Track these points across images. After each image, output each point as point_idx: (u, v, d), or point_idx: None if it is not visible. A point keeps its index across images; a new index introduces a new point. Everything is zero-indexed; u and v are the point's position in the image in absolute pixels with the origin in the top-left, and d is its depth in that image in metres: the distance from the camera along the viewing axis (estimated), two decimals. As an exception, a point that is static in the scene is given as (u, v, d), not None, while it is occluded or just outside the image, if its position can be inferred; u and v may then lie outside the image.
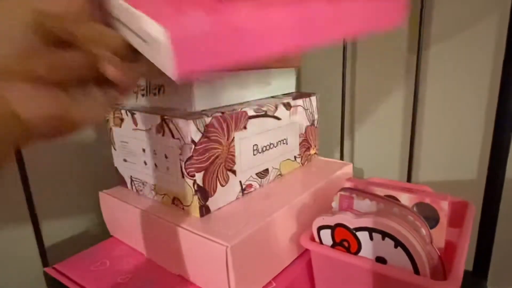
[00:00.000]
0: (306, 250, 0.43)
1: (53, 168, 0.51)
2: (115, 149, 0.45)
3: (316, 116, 0.54)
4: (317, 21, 0.24)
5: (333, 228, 0.35)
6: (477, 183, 0.58)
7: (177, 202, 0.39)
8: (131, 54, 0.21)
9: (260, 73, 0.46)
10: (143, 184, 0.43)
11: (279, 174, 0.48)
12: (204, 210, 0.37)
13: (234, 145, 0.39)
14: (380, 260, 0.33)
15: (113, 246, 0.45)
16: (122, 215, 0.43)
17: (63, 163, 0.53)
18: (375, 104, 0.66)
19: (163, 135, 0.37)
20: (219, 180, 0.38)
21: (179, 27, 0.17)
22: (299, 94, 0.52)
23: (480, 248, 0.50)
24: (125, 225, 0.44)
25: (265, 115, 0.43)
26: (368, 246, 0.33)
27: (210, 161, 0.36)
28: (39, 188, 0.50)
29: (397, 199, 0.37)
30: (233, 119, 0.38)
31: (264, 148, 0.44)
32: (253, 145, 0.42)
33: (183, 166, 0.36)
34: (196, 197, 0.36)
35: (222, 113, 0.37)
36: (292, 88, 0.53)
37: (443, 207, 0.35)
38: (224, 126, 0.38)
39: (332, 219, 0.35)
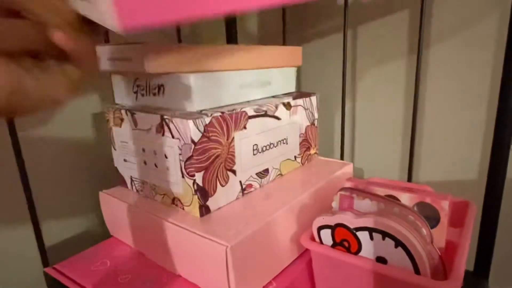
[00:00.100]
0: (306, 250, 0.43)
1: (53, 168, 0.52)
2: (115, 149, 0.45)
3: (316, 116, 0.54)
4: None
5: (333, 228, 0.35)
6: (478, 182, 0.58)
7: (177, 202, 0.39)
8: (81, 25, 0.21)
9: (260, 73, 0.46)
10: (143, 184, 0.43)
11: (279, 174, 0.48)
12: (204, 210, 0.37)
13: (234, 145, 0.39)
14: (381, 260, 0.33)
15: (113, 246, 0.45)
16: (122, 215, 0.43)
17: (63, 163, 0.53)
18: (376, 103, 0.66)
19: (163, 135, 0.37)
20: (219, 180, 0.38)
21: None
22: (299, 93, 0.52)
23: (481, 247, 0.49)
24: (125, 225, 0.44)
25: (265, 115, 0.43)
26: (368, 246, 0.33)
27: (210, 161, 0.36)
28: (39, 188, 0.50)
29: (397, 199, 0.37)
30: (233, 119, 0.38)
31: (264, 148, 0.44)
32: (253, 145, 0.42)
33: (183, 166, 0.36)
34: (196, 197, 0.36)
35: (222, 113, 0.37)
36: (292, 88, 0.53)
37: (444, 207, 0.35)
38: (224, 126, 0.38)
39: (332, 219, 0.35)
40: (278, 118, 0.45)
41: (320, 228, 0.36)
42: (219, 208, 0.39)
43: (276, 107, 0.45)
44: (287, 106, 0.47)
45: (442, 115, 0.59)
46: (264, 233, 0.36)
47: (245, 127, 0.40)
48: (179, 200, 0.38)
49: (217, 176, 0.38)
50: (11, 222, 0.47)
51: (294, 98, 0.48)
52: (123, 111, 0.41)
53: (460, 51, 0.55)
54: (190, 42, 0.67)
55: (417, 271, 0.30)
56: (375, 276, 0.33)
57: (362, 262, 0.33)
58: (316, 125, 0.54)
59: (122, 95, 0.44)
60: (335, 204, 0.37)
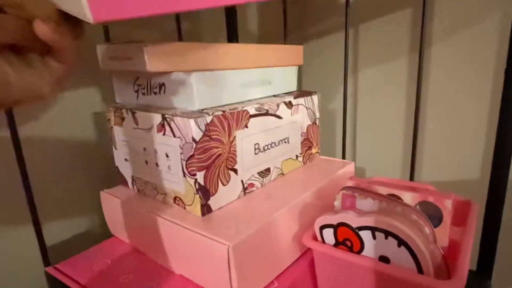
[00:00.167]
0: (309, 249, 0.42)
1: (54, 168, 0.51)
2: (116, 148, 0.45)
3: (317, 115, 0.54)
4: None
5: (335, 227, 0.35)
6: (481, 182, 0.57)
7: (178, 201, 0.39)
8: (60, 19, 0.22)
9: (261, 71, 0.46)
10: (144, 183, 0.43)
11: (281, 173, 0.48)
12: (206, 209, 0.37)
13: (235, 144, 0.39)
14: (383, 259, 0.32)
15: (114, 246, 0.45)
16: (123, 214, 0.43)
17: (64, 163, 0.52)
18: (377, 102, 0.65)
19: (164, 134, 0.37)
20: (220, 179, 0.38)
21: None
22: (301, 92, 0.52)
23: (484, 247, 0.49)
24: (126, 224, 0.44)
25: (267, 113, 0.43)
26: (371, 245, 0.33)
27: (211, 160, 0.36)
28: (40, 188, 0.49)
29: (400, 198, 0.37)
30: (234, 117, 0.38)
31: (266, 147, 0.44)
32: (255, 144, 0.42)
33: (184, 165, 0.36)
34: (197, 196, 0.36)
35: (223, 111, 0.37)
36: (293, 87, 0.53)
37: (447, 206, 0.34)
38: (225, 124, 0.37)
39: (334, 218, 0.34)
40: (279, 117, 0.45)
41: (322, 228, 0.36)
42: (221, 207, 0.39)
43: (278, 106, 0.45)
44: (289, 105, 0.47)
45: (444, 114, 0.59)
46: (266, 232, 0.35)
47: (246, 126, 0.40)
48: (181, 199, 0.38)
49: (218, 175, 0.38)
50: (12, 222, 0.47)
51: (295, 97, 0.48)
52: (124, 110, 0.41)
53: (462, 49, 0.55)
54: (190, 40, 0.67)
55: (420, 270, 0.30)
56: (378, 275, 0.32)
57: (365, 262, 0.32)
58: (317, 124, 0.54)
59: (123, 94, 0.44)
60: (337, 203, 0.37)
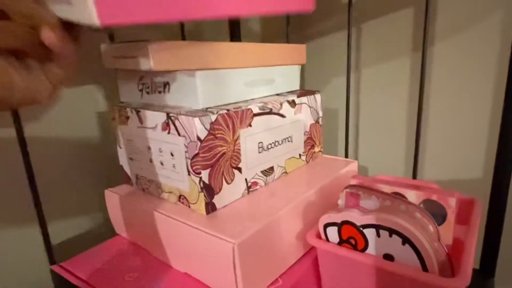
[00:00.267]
0: (312, 247, 0.43)
1: (59, 166, 0.52)
2: (120, 147, 0.45)
3: (320, 114, 0.54)
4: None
5: (339, 225, 0.35)
6: (484, 181, 0.57)
7: (183, 199, 0.39)
8: (63, 28, 0.23)
9: (264, 70, 0.46)
10: (148, 182, 0.43)
11: (284, 172, 0.48)
12: (210, 208, 0.37)
13: (239, 143, 0.39)
14: (388, 257, 0.32)
15: (119, 244, 0.45)
16: (128, 213, 0.43)
17: (68, 162, 0.53)
18: (380, 101, 0.65)
19: (168, 132, 0.37)
20: (224, 177, 0.38)
21: None
22: (304, 91, 0.52)
23: (487, 245, 0.49)
24: (131, 223, 0.44)
25: (270, 112, 0.43)
26: (375, 243, 0.33)
27: (215, 158, 0.36)
28: (45, 187, 0.50)
29: (404, 196, 0.37)
30: (238, 116, 0.38)
31: (269, 146, 0.44)
32: (258, 143, 0.42)
33: (189, 163, 0.36)
34: (202, 195, 0.36)
35: (228, 110, 0.37)
36: (296, 86, 0.53)
37: (451, 204, 0.34)
38: (230, 123, 0.37)
39: (338, 216, 0.35)
40: (283, 116, 0.45)
41: (326, 226, 0.36)
42: (225, 205, 0.39)
43: (281, 104, 0.45)
44: (292, 103, 0.47)
45: (447, 112, 0.59)
46: (270, 230, 0.36)
47: (250, 125, 0.40)
48: (185, 198, 0.38)
49: (223, 174, 0.38)
50: (18, 221, 0.48)
51: (298, 96, 0.48)
52: (128, 109, 0.41)
53: (464, 48, 0.55)
54: (193, 39, 0.67)
55: (424, 268, 0.30)
56: (383, 273, 0.32)
57: (369, 260, 0.32)
58: (320, 123, 0.54)
59: (127, 93, 0.44)
60: (341, 202, 0.37)
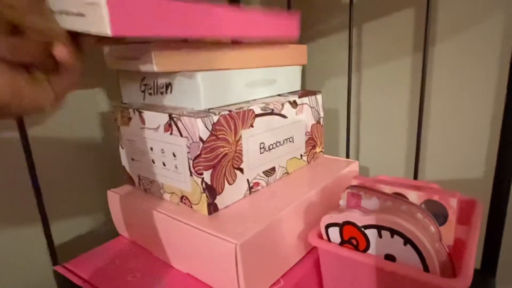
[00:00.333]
0: (314, 247, 0.43)
1: (62, 167, 0.52)
2: (122, 148, 0.46)
3: (321, 114, 0.54)
4: (227, 24, 0.35)
5: (341, 226, 0.35)
6: (485, 181, 0.57)
7: (185, 200, 0.39)
8: (74, 45, 0.25)
9: (266, 71, 0.46)
10: (151, 182, 0.43)
11: (286, 172, 0.48)
12: (212, 208, 0.37)
13: (241, 143, 0.39)
14: (389, 257, 0.33)
15: (121, 245, 0.45)
16: (130, 213, 0.44)
17: (71, 162, 0.53)
18: (381, 101, 0.66)
19: (171, 133, 0.37)
20: (226, 178, 0.38)
21: None
22: (305, 92, 0.52)
23: (488, 246, 0.49)
24: (133, 223, 0.44)
25: (272, 113, 0.43)
26: (376, 244, 0.33)
27: (218, 159, 0.37)
28: (47, 188, 0.50)
29: (405, 197, 0.37)
30: (240, 117, 0.39)
31: (271, 146, 0.44)
32: (260, 143, 0.42)
33: (191, 164, 0.36)
34: (204, 195, 0.36)
35: (230, 111, 0.37)
36: (297, 86, 0.53)
37: (452, 205, 0.35)
38: (232, 124, 0.38)
39: (340, 216, 0.35)
40: (284, 117, 0.45)
41: (328, 226, 0.36)
42: (227, 206, 0.39)
43: (283, 105, 0.45)
44: (293, 104, 0.47)
45: (448, 112, 0.59)
46: (272, 231, 0.36)
47: (252, 126, 0.40)
48: (187, 199, 0.39)
49: (225, 175, 0.38)
50: (21, 222, 0.48)
51: (300, 97, 0.48)
52: (130, 110, 0.42)
53: (466, 48, 0.55)
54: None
55: (426, 268, 0.31)
56: (384, 273, 0.33)
57: (371, 260, 0.33)
58: (321, 123, 0.54)
59: (130, 94, 0.45)
60: (342, 202, 0.38)
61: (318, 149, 0.55)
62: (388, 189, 0.38)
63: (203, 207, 0.37)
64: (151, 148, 0.41)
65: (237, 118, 0.38)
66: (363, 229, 0.33)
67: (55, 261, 0.47)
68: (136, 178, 0.45)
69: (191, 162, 0.36)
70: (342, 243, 0.35)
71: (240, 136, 0.39)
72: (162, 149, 0.39)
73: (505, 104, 0.45)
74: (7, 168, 0.46)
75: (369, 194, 0.36)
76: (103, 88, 0.56)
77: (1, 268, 0.46)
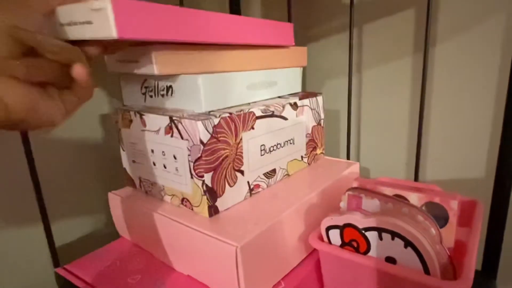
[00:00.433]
0: (315, 250, 0.43)
1: (63, 169, 0.52)
2: (123, 150, 0.46)
3: (322, 116, 0.54)
4: (227, 30, 0.38)
5: (341, 228, 0.35)
6: (485, 181, 0.57)
7: (186, 202, 0.39)
8: (87, 64, 0.27)
9: (266, 73, 0.46)
10: (151, 184, 0.43)
11: (286, 174, 0.48)
12: (213, 211, 0.37)
13: (242, 146, 0.39)
14: (390, 260, 0.33)
15: (122, 247, 0.45)
16: (131, 215, 0.44)
17: (72, 164, 0.53)
18: (381, 102, 0.66)
19: (172, 136, 0.37)
20: (227, 180, 0.38)
21: (121, 0, 0.26)
22: (306, 94, 0.52)
23: (489, 247, 0.49)
24: (134, 225, 0.44)
25: (272, 115, 0.43)
26: (377, 246, 0.33)
27: (218, 161, 0.37)
28: (49, 190, 0.50)
29: (406, 199, 0.37)
30: (241, 119, 0.39)
31: (272, 148, 0.44)
32: (261, 145, 0.42)
33: (192, 166, 0.36)
34: (205, 198, 0.36)
35: (230, 113, 0.37)
36: (298, 88, 0.53)
37: (453, 207, 0.35)
38: (232, 126, 0.38)
39: (340, 219, 0.35)
40: (285, 118, 0.45)
41: (328, 228, 0.36)
42: (228, 208, 0.39)
43: (283, 107, 0.45)
44: (294, 106, 0.47)
45: (449, 113, 0.59)
46: (272, 233, 0.36)
47: (252, 128, 0.40)
48: (188, 201, 0.39)
49: (225, 177, 0.38)
50: (23, 224, 0.48)
51: (300, 98, 0.48)
52: (131, 113, 0.42)
53: (466, 49, 0.55)
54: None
55: (426, 271, 0.31)
56: (385, 276, 0.33)
57: (371, 262, 0.33)
58: (322, 125, 0.54)
59: (131, 96, 0.45)
60: (343, 204, 0.38)
61: (318, 151, 0.55)
62: (388, 191, 0.38)
63: (204, 210, 0.37)
64: (152, 151, 0.41)
65: (238, 120, 0.38)
66: (363, 231, 0.33)
67: (56, 263, 0.47)
68: (137, 180, 0.46)
69: (191, 164, 0.36)
70: (343, 245, 0.35)
71: (241, 138, 0.39)
72: (163, 152, 0.39)
73: (505, 104, 0.45)
74: (8, 169, 0.46)
75: (370, 196, 0.36)
76: (104, 90, 0.56)
77: (2, 270, 0.47)
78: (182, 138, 0.36)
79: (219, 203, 0.38)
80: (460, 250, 0.35)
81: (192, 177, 0.37)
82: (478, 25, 0.53)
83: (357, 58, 0.66)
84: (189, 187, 0.38)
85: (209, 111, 0.38)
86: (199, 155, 0.35)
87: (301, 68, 0.53)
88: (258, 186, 0.43)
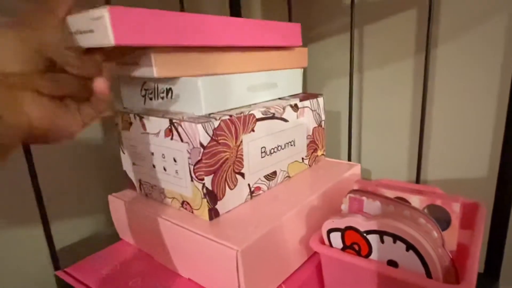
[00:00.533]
0: (316, 252, 0.42)
1: (63, 172, 0.52)
2: (123, 152, 0.45)
3: (323, 117, 0.54)
4: (229, 34, 0.38)
5: (343, 231, 0.35)
6: (488, 182, 0.57)
7: (186, 205, 0.39)
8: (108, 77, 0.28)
9: (266, 75, 0.46)
10: (152, 187, 0.43)
11: (287, 176, 0.48)
12: (213, 214, 0.37)
13: (242, 148, 0.39)
14: (392, 263, 0.32)
15: (123, 249, 0.45)
16: (131, 218, 0.44)
17: (72, 167, 0.53)
18: (382, 103, 0.65)
19: (171, 138, 0.37)
20: (227, 183, 0.38)
21: (118, 8, 0.27)
22: (306, 95, 0.52)
23: (491, 248, 0.49)
24: (134, 228, 0.44)
25: (273, 117, 0.43)
26: (379, 249, 0.33)
27: (218, 164, 0.36)
28: (49, 192, 0.50)
29: (407, 201, 0.37)
30: (241, 121, 0.38)
31: (272, 150, 0.44)
32: (261, 148, 0.42)
33: (192, 169, 0.36)
34: (205, 201, 0.36)
35: (230, 116, 0.37)
36: (299, 89, 0.53)
37: (455, 209, 0.34)
38: (232, 129, 0.37)
39: (342, 221, 0.34)
40: (285, 120, 0.45)
41: (329, 231, 0.36)
42: (228, 211, 0.39)
43: (284, 109, 0.45)
44: (294, 108, 0.47)
45: (450, 114, 0.58)
46: (273, 236, 0.36)
47: (253, 130, 0.40)
48: (188, 204, 0.39)
49: (225, 179, 0.38)
50: (23, 227, 0.48)
51: (301, 100, 0.48)
52: (131, 115, 0.42)
53: (468, 49, 0.55)
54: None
55: (428, 274, 0.30)
56: (386, 279, 0.32)
57: (373, 266, 0.32)
58: (323, 126, 0.54)
59: (130, 98, 0.45)
60: (344, 207, 0.37)
61: (319, 152, 0.54)
62: (390, 194, 0.38)
63: (204, 213, 0.37)
64: (152, 153, 0.41)
65: (238, 122, 0.38)
66: (365, 234, 0.33)
67: (56, 266, 0.47)
68: (137, 183, 0.45)
69: (191, 167, 0.36)
70: (344, 248, 0.35)
71: (241, 141, 0.39)
72: (162, 154, 0.39)
73: (508, 105, 0.45)
74: (8, 172, 0.46)
75: (371, 199, 0.35)
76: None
77: (2, 273, 0.47)
78: (182, 140, 0.36)
79: (220, 206, 0.38)
80: (463, 253, 0.34)
81: (192, 180, 0.37)
82: (479, 26, 0.53)
83: (358, 58, 0.66)
84: (189, 190, 0.37)
85: (209, 114, 0.38)
86: (199, 158, 0.35)
87: (302, 69, 0.53)
88: (258, 188, 0.43)
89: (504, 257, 0.49)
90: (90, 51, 0.29)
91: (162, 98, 0.40)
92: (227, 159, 0.37)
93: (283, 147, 0.46)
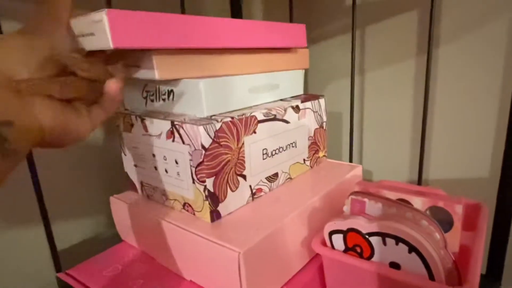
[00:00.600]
0: (318, 254, 0.42)
1: (65, 173, 0.52)
2: (125, 154, 0.46)
3: (324, 118, 0.54)
4: (232, 36, 0.38)
5: (345, 232, 0.35)
6: (490, 182, 0.57)
7: (187, 207, 0.39)
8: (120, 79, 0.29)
9: (268, 76, 0.46)
10: (153, 189, 0.43)
11: (289, 178, 0.48)
12: (215, 216, 0.37)
13: (244, 150, 0.39)
14: (394, 265, 0.32)
15: (124, 251, 0.45)
16: (133, 220, 0.44)
17: (74, 169, 0.53)
18: (384, 104, 0.65)
19: (173, 140, 0.37)
20: (229, 185, 0.38)
21: (117, 12, 0.28)
22: (308, 96, 0.52)
23: (493, 249, 0.49)
24: (136, 230, 0.44)
25: (274, 118, 0.43)
26: (381, 251, 0.33)
27: (220, 166, 0.36)
28: (50, 194, 0.50)
29: (409, 203, 0.37)
30: (242, 123, 0.38)
31: (274, 152, 0.44)
32: (263, 149, 0.42)
33: (193, 171, 0.36)
34: (206, 203, 0.36)
35: (232, 118, 0.37)
36: (300, 90, 0.53)
37: (457, 211, 0.34)
38: (234, 131, 0.37)
39: (344, 223, 0.34)
40: (287, 122, 0.45)
41: (331, 233, 0.36)
42: (230, 213, 0.39)
43: (285, 110, 0.45)
44: (296, 109, 0.47)
45: (453, 115, 0.58)
46: (275, 238, 0.36)
47: (254, 132, 0.40)
48: (190, 206, 0.39)
49: (227, 181, 0.38)
50: (24, 228, 0.48)
51: (302, 101, 0.48)
52: (133, 117, 0.42)
53: (470, 50, 0.54)
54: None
55: (431, 276, 0.30)
56: (389, 282, 0.32)
57: (375, 268, 0.32)
58: (324, 127, 0.54)
59: (132, 100, 0.45)
60: (346, 208, 0.37)
61: (321, 154, 0.54)
62: (392, 195, 0.38)
63: (205, 215, 0.37)
64: (154, 155, 0.41)
65: (240, 124, 0.38)
66: (367, 236, 0.33)
67: (58, 268, 0.47)
68: (138, 185, 0.45)
69: (193, 169, 0.36)
70: (346, 250, 0.35)
71: (243, 143, 0.39)
72: (164, 156, 0.39)
73: (510, 105, 0.44)
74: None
75: (373, 201, 0.35)
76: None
77: (3, 275, 0.47)
78: (183, 142, 0.36)
79: (221, 208, 0.38)
80: (465, 255, 0.34)
81: (193, 182, 0.37)
82: (481, 26, 0.53)
83: (360, 59, 0.66)
84: (191, 192, 0.37)
85: (211, 116, 0.38)
86: (201, 160, 0.35)
87: (303, 71, 0.53)
88: (260, 190, 0.43)
89: (506, 258, 0.49)
90: (93, 53, 0.30)
91: (164, 100, 0.40)
92: (228, 161, 0.37)
93: (284, 148, 0.46)
